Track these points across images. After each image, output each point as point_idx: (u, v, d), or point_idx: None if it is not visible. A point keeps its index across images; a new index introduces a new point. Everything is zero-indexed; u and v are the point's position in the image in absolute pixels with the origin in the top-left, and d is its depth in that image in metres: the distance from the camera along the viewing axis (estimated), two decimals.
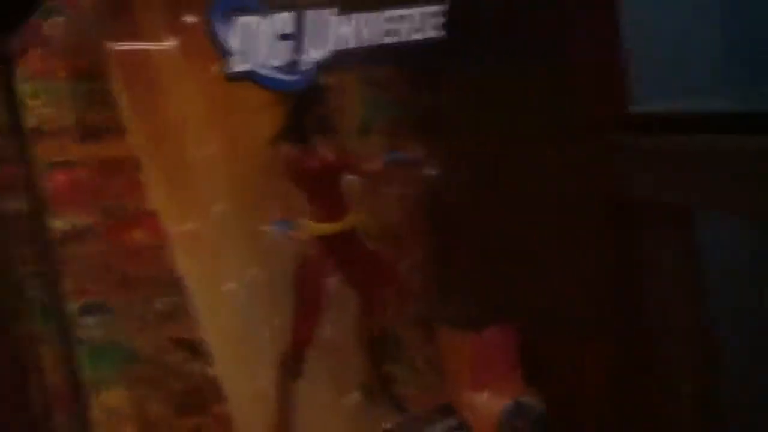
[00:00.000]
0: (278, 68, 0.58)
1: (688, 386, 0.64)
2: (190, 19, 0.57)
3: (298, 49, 0.58)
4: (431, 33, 0.65)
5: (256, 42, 0.56)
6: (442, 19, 0.65)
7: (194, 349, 0.58)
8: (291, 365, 0.60)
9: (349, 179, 0.63)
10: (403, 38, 0.64)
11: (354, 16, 0.60)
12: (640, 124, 0.61)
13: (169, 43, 0.57)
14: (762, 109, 0.56)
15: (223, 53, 0.55)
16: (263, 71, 0.57)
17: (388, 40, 0.63)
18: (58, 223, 0.56)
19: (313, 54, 0.59)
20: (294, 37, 0.58)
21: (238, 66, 0.56)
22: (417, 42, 0.64)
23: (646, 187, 0.60)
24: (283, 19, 0.57)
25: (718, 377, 0.65)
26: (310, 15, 0.58)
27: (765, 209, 0.55)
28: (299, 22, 0.58)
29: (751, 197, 0.55)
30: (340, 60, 0.60)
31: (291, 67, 0.59)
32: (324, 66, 0.60)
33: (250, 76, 0.56)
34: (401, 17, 0.63)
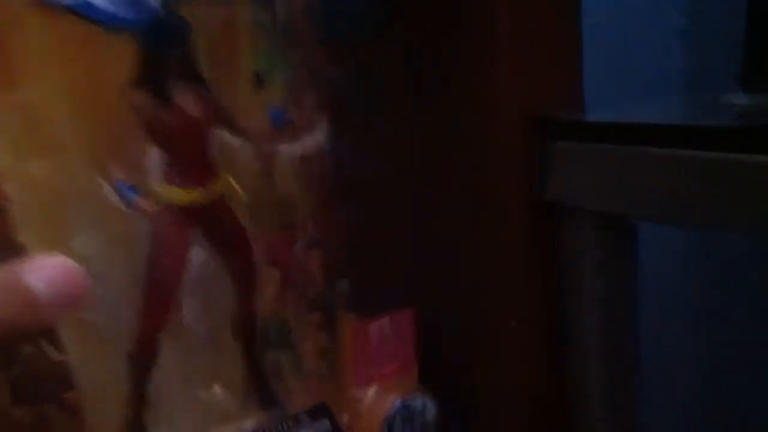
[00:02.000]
0: (117, 1, 0.47)
1: (603, 394, 0.56)
2: None
3: None
4: None
5: None
6: None
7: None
8: (141, 354, 0.52)
9: (224, 139, 0.54)
10: None
11: None
12: (577, 131, 0.53)
13: None
14: (703, 123, 0.48)
15: None
16: (97, 3, 0.47)
17: None
18: None
19: None
20: None
21: None
22: None
23: (579, 194, 0.53)
24: None
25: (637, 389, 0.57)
26: None
27: (702, 221, 0.49)
28: None
29: (686, 208, 0.47)
30: None
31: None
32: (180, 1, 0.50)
33: (77, 9, 0.46)
34: None
